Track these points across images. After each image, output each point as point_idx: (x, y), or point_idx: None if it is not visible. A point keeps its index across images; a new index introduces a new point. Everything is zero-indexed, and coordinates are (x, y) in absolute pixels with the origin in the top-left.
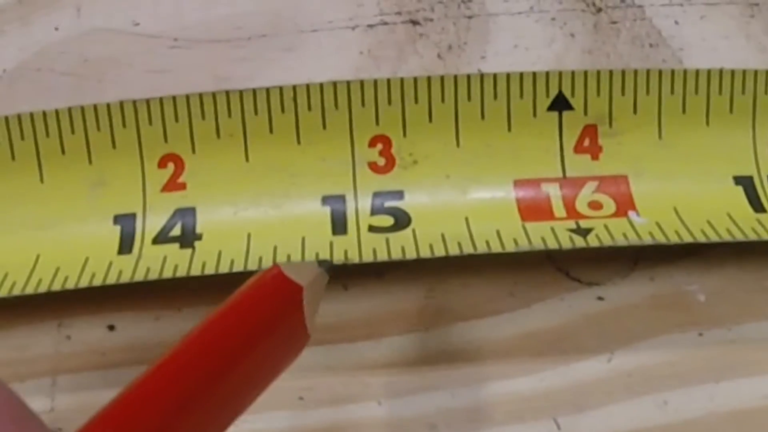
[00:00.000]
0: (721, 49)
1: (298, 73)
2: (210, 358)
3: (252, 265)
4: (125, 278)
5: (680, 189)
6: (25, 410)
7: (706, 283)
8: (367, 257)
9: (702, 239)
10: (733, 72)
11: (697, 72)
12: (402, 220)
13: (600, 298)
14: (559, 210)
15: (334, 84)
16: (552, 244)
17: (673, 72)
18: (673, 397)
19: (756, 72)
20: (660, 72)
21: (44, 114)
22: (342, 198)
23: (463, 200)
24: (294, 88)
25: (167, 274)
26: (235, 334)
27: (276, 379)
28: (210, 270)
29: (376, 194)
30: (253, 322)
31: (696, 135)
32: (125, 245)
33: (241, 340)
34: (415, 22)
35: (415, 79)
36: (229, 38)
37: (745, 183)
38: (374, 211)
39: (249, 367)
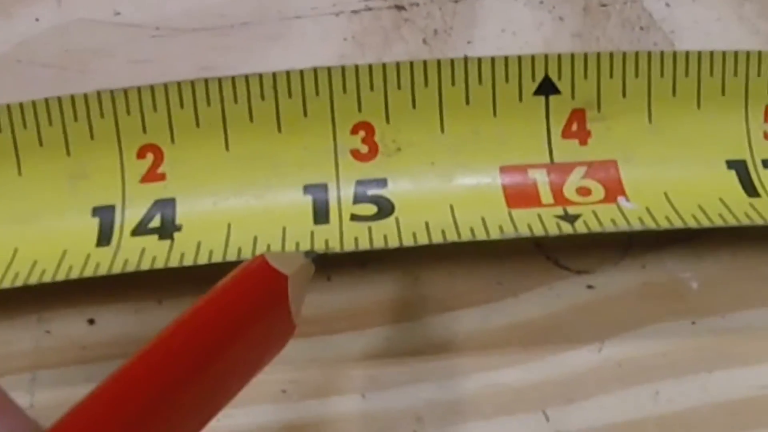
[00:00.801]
0: (714, 32)
1: (283, 61)
2: (193, 348)
3: (231, 256)
4: (103, 270)
5: (671, 174)
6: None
7: (699, 271)
8: (349, 246)
9: (693, 225)
10: (724, 54)
11: (688, 54)
12: (385, 209)
13: (590, 287)
14: (546, 196)
15: (315, 70)
16: (538, 231)
17: (662, 54)
18: (666, 387)
19: (748, 53)
20: (649, 54)
21: (21, 105)
22: (324, 187)
23: (448, 187)
24: (274, 75)
25: (145, 265)
26: (220, 323)
27: (261, 371)
28: (188, 261)
29: (358, 182)
30: (237, 311)
31: (687, 119)
32: (104, 237)
33: (225, 329)
34: (400, 8)
35: (398, 64)
36: (213, 26)
37: (738, 167)
38: (357, 200)
39: (233, 357)
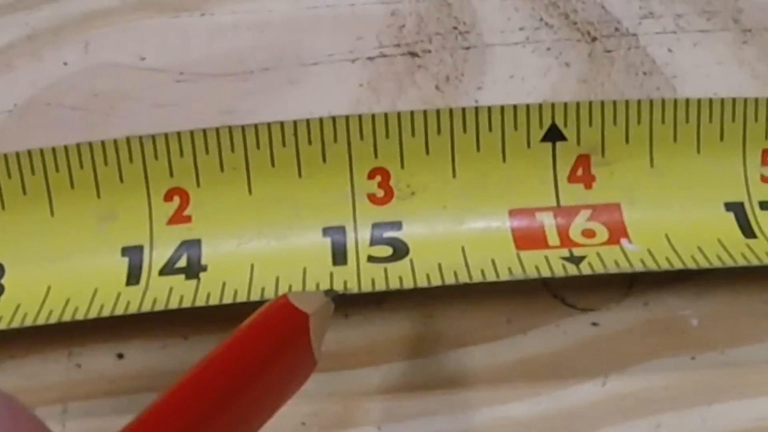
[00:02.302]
0: (715, 76)
1: (301, 106)
2: (221, 383)
3: (255, 296)
4: (133, 309)
5: (672, 216)
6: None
7: (698, 308)
8: (366, 287)
9: (692, 265)
10: (722, 100)
11: (688, 101)
12: (400, 250)
13: (594, 324)
14: (553, 238)
15: (333, 118)
16: (545, 272)
17: (663, 101)
18: (667, 419)
19: (745, 100)
20: (651, 101)
21: (54, 149)
22: (342, 229)
23: (459, 230)
24: (294, 123)
25: (173, 304)
26: (245, 360)
27: (283, 405)
28: (214, 300)
29: (375, 225)
30: (261, 349)
31: (687, 163)
32: (133, 276)
33: (250, 366)
34: (413, 54)
35: (412, 113)
36: (233, 72)
37: (736, 209)
38: (373, 242)
39: (258, 392)
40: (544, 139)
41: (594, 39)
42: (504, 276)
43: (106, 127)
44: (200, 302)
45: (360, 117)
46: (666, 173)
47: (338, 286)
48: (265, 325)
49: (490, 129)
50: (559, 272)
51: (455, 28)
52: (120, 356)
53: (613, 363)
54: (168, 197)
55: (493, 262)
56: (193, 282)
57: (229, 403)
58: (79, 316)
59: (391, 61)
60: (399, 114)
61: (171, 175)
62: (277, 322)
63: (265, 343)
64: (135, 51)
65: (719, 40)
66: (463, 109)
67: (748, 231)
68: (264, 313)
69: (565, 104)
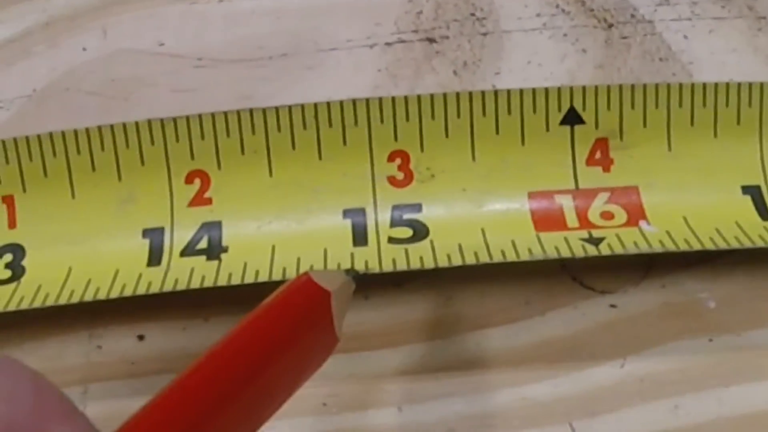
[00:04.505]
0: (730, 63)
1: (319, 91)
2: (243, 361)
3: (276, 276)
4: (154, 289)
5: (690, 199)
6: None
7: (716, 291)
8: (387, 267)
9: (711, 247)
10: (739, 85)
11: (705, 85)
12: (420, 232)
13: (613, 306)
14: (572, 220)
15: (354, 101)
16: (565, 253)
17: (681, 86)
18: (684, 401)
19: (762, 84)
20: (668, 86)
21: (75, 132)
22: (362, 211)
23: (478, 212)
24: (315, 105)
25: (195, 284)
26: (267, 337)
27: (304, 383)
28: (236, 281)
29: (395, 207)
30: (284, 325)
31: (704, 147)
32: (154, 258)
33: (273, 342)
34: (431, 40)
35: (432, 96)
36: (252, 58)
37: (753, 192)
38: (393, 224)
39: (279, 369)
40: (563, 122)
41: (610, 25)
42: (524, 256)
43: (125, 112)
44: (222, 282)
45: (380, 100)
46: (683, 157)
47: (359, 267)
48: (287, 302)
49: (509, 112)
50: (579, 253)
51: (473, 14)
52: (141, 338)
53: (631, 345)
54: (189, 180)
55: (513, 243)
56: (215, 263)
57: (249, 381)
58: (101, 296)
59: (409, 47)
60: (419, 97)
61: (192, 157)
62: (300, 300)
63: (287, 320)
64: (153, 37)
65: (734, 28)
66: (483, 93)
67: (765, 213)
68: (286, 290)
69: (584, 88)
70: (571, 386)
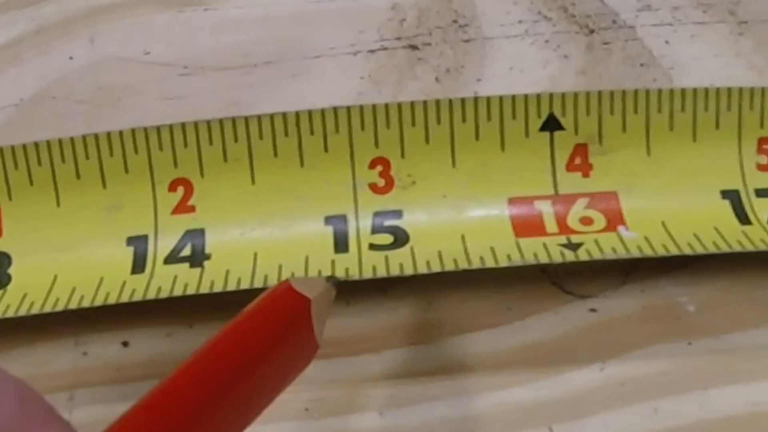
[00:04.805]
0: (712, 67)
1: (303, 98)
2: (224, 367)
3: (258, 283)
4: (138, 296)
5: (668, 204)
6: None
7: (695, 295)
8: (367, 274)
9: (688, 252)
10: (718, 90)
11: (683, 91)
12: (401, 238)
13: (593, 310)
14: (551, 226)
15: (335, 109)
16: (543, 259)
17: (660, 91)
18: (664, 404)
19: (740, 89)
20: (647, 91)
21: (60, 141)
22: (344, 218)
23: (459, 218)
24: (297, 113)
25: (178, 292)
26: (248, 344)
27: (286, 388)
28: (218, 288)
29: (376, 214)
30: (264, 332)
31: (683, 151)
32: (138, 265)
33: (253, 349)
34: (414, 47)
35: (412, 103)
36: (238, 65)
37: (732, 197)
38: (374, 230)
39: (261, 376)
40: (543, 128)
41: (592, 31)
42: (503, 262)
43: (112, 120)
44: (204, 290)
45: (361, 107)
46: (663, 162)
47: (340, 274)
48: (267, 309)
49: (489, 119)
50: (557, 258)
51: (455, 21)
52: (125, 344)
53: (611, 349)
54: (172, 188)
55: (492, 249)
56: (198, 270)
57: (231, 387)
58: (85, 304)
59: (392, 54)
60: (399, 104)
61: (175, 165)
62: (280, 307)
63: (267, 327)
64: (140, 45)
65: (715, 32)
66: (463, 100)
67: (743, 218)
68: (266, 297)
69: (563, 94)
70: (552, 390)
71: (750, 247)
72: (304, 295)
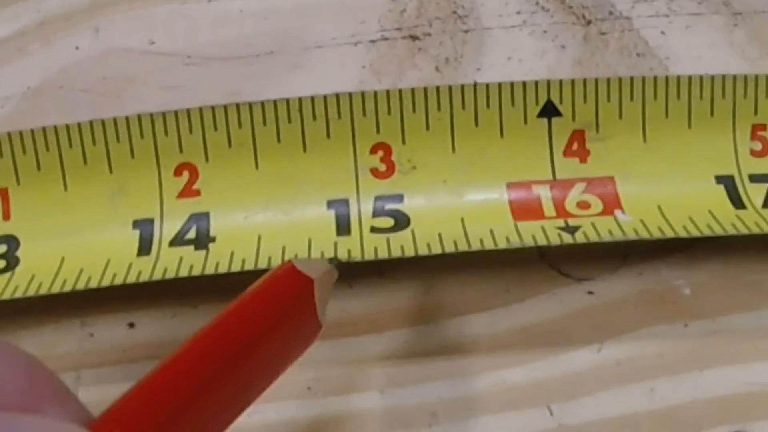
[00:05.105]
0: (706, 57)
1: (305, 88)
2: (227, 345)
3: (262, 265)
4: (144, 278)
5: (664, 189)
6: (43, 371)
7: (691, 278)
8: (369, 256)
9: (684, 235)
10: (713, 77)
11: (679, 78)
12: (402, 222)
13: (590, 293)
14: (549, 210)
15: (337, 96)
16: (542, 241)
17: (655, 79)
18: (660, 384)
19: (735, 77)
20: (643, 79)
21: (67, 127)
22: (346, 202)
23: (458, 202)
24: (299, 100)
25: (183, 273)
26: (252, 322)
27: (288, 368)
28: (223, 269)
29: (377, 198)
30: (267, 312)
31: (679, 138)
32: (144, 248)
33: (257, 328)
34: (414, 37)
35: (413, 90)
36: (240, 56)
37: (726, 182)
38: (376, 214)
39: (264, 354)
40: (541, 115)
41: (589, 22)
42: (502, 245)
43: (116, 109)
44: (209, 271)
45: (363, 94)
46: (658, 148)
47: (342, 256)
48: (270, 288)
49: (488, 106)
50: (555, 241)
51: (454, 12)
52: (131, 325)
53: (608, 330)
54: (178, 172)
55: (491, 232)
56: (203, 252)
57: (234, 365)
58: (92, 285)
59: (393, 44)
60: (400, 91)
61: (180, 150)
62: (283, 286)
63: (270, 307)
64: (144, 36)
65: (710, 23)
66: (462, 86)
67: (738, 202)
68: (269, 277)
69: (561, 81)
70: (550, 370)
71: (744, 231)
72: (307, 275)
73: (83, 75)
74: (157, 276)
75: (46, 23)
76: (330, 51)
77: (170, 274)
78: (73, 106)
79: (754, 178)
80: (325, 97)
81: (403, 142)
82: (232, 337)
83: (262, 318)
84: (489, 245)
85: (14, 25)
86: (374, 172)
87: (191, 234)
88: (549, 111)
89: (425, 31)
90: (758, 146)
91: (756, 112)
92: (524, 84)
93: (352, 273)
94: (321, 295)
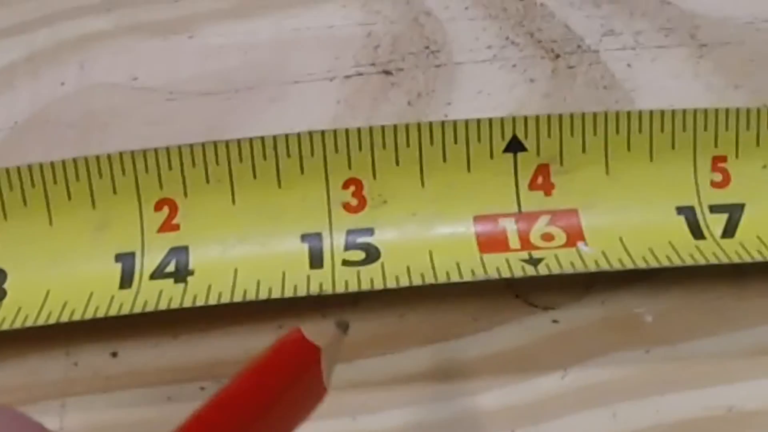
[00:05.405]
0: (671, 89)
1: (282, 122)
2: (234, 415)
3: (238, 297)
4: (125, 310)
5: (626, 220)
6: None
7: (653, 306)
8: (340, 288)
9: (642, 265)
10: (673, 111)
11: (640, 113)
12: (372, 255)
13: (555, 321)
14: (514, 242)
15: (310, 133)
16: (506, 273)
17: (617, 114)
18: (623, 409)
19: (695, 110)
20: (606, 114)
21: (52, 164)
22: (319, 235)
23: (427, 235)
24: (274, 138)
25: (163, 306)
26: (258, 393)
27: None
28: (200, 302)
29: (349, 231)
30: (275, 380)
31: (641, 170)
32: (126, 281)
33: (263, 398)
34: (387, 72)
35: (383, 127)
36: (219, 91)
37: (687, 212)
38: (348, 247)
39: (269, 422)
40: (506, 150)
41: (557, 56)
42: (467, 277)
43: (101, 143)
44: (187, 304)
45: (335, 132)
46: (621, 180)
47: (314, 288)
48: (278, 357)
49: (456, 141)
50: (519, 273)
51: (427, 47)
52: (114, 354)
53: (573, 357)
54: (158, 207)
55: (458, 264)
56: (181, 285)
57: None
58: (76, 317)
59: (367, 79)
60: (371, 128)
61: (161, 186)
62: (290, 355)
63: (278, 376)
64: (128, 71)
65: (676, 55)
66: (431, 123)
67: (697, 233)
68: (278, 345)
69: (525, 117)
70: (516, 396)
71: (702, 261)
72: (315, 345)
73: (69, 110)
74: (138, 309)
75: (34, 58)
76: (307, 86)
77: (150, 307)
78: (59, 140)
79: (714, 209)
80: (298, 135)
81: (374, 177)
82: (239, 407)
83: (269, 387)
84: (455, 278)
85: (3, 60)
86: (346, 206)
87: (171, 267)
88: (514, 146)
89: (398, 66)
90: (719, 177)
91: (716, 144)
92: (490, 120)
93: (325, 303)
94: (328, 361)
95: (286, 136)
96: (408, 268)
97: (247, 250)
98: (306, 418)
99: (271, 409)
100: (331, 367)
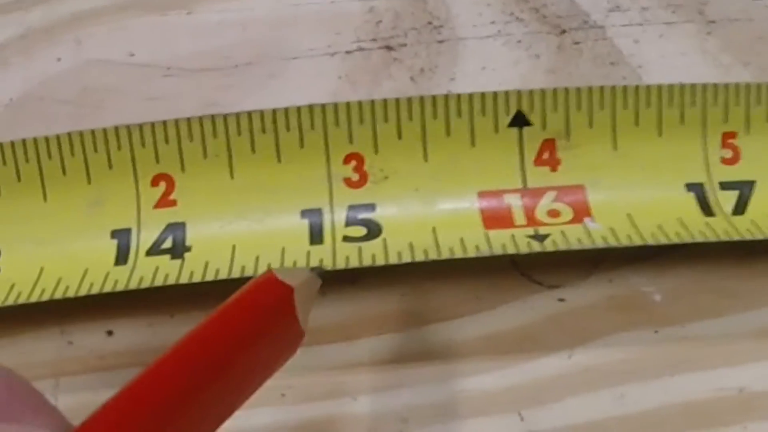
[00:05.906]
0: (679, 66)
1: (281, 98)
2: (205, 356)
3: (236, 274)
4: (121, 287)
5: (634, 196)
6: (22, 384)
7: (661, 285)
8: (341, 264)
9: (652, 242)
10: (682, 86)
11: (649, 87)
12: (374, 231)
13: (561, 300)
14: (519, 218)
15: (311, 107)
16: (511, 250)
17: (625, 88)
18: (630, 390)
19: (704, 85)
20: (613, 88)
21: (46, 138)
22: (319, 211)
23: (430, 211)
24: (273, 111)
25: (159, 282)
26: (231, 332)
27: (271, 376)
28: (198, 279)
29: (350, 207)
30: (247, 321)
31: (649, 146)
32: (121, 257)
33: (236, 337)
34: (389, 48)
35: (385, 101)
36: (218, 67)
37: (696, 189)
38: (348, 223)
39: (245, 363)
40: (511, 124)
41: (563, 32)
42: (471, 253)
43: (97, 120)
44: (184, 280)
45: (335, 105)
46: (629, 156)
47: (314, 264)
48: (250, 298)
49: (460, 115)
50: (524, 249)
51: (429, 23)
52: (109, 333)
53: (579, 337)
54: (154, 182)
55: (461, 240)
56: (178, 262)
57: (214, 375)
58: (70, 294)
59: (368, 54)
60: (373, 102)
61: (157, 161)
62: (263, 295)
63: (250, 316)
64: (124, 48)
65: (684, 32)
66: (434, 97)
67: (707, 210)
68: (249, 287)
69: (531, 91)
70: (521, 377)
71: (713, 238)
72: (287, 284)
73: (64, 86)
74: (134, 285)
75: (28, 36)
76: (306, 62)
77: (146, 284)
78: (54, 117)
79: (725, 186)
80: (298, 108)
81: (376, 151)
82: (212, 347)
83: (242, 327)
84: (459, 254)
85: None
86: (347, 181)
87: (167, 243)
88: (520, 121)
89: (400, 41)
90: (729, 154)
91: (726, 120)
92: (495, 94)
93: (325, 281)
94: (302, 304)
95: (286, 109)
96: (411, 245)
97: (245, 226)
98: (284, 363)
99: (245, 351)
100: (306, 309)
